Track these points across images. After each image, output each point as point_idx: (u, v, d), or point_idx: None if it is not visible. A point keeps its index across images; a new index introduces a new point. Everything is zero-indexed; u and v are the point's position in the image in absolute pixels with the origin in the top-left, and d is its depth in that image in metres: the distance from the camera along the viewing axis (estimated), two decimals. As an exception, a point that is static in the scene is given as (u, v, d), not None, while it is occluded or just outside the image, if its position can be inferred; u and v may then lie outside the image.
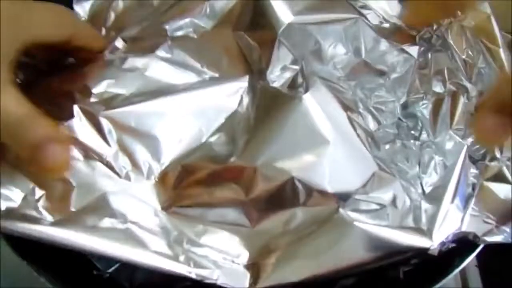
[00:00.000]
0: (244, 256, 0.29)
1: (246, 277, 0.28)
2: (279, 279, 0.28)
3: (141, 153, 0.29)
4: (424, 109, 0.34)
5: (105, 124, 0.29)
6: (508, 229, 0.29)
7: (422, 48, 0.35)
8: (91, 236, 0.26)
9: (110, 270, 0.31)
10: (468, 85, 0.34)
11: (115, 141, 0.29)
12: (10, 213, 0.26)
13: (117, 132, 0.29)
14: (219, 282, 0.27)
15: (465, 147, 0.31)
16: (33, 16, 0.29)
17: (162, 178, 0.30)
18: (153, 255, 0.27)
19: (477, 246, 0.29)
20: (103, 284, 0.31)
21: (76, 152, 0.28)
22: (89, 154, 0.29)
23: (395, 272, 0.30)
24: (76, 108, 0.29)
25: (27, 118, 0.26)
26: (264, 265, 0.28)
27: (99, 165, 0.29)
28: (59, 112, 0.29)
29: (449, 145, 0.32)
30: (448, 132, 0.32)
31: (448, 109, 0.33)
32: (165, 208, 0.29)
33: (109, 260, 0.31)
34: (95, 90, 0.30)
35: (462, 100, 0.33)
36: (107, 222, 0.27)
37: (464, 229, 0.29)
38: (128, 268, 0.31)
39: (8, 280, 0.38)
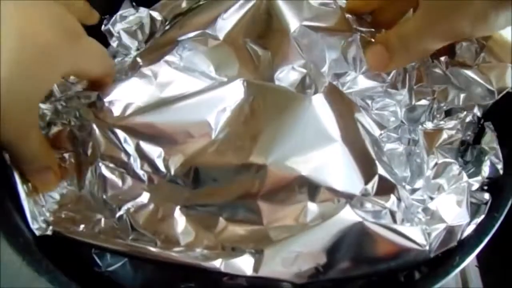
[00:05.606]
0: (249, 245, 0.29)
1: (250, 264, 0.28)
2: (277, 269, 0.28)
3: (158, 155, 0.31)
4: (422, 132, 0.34)
5: (120, 134, 0.31)
6: None
7: None
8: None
9: (110, 269, 0.31)
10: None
11: (134, 148, 0.30)
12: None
13: (132, 140, 0.31)
14: (222, 269, 0.28)
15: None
16: (82, 49, 0.29)
17: (179, 177, 0.31)
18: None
19: (477, 246, 0.29)
20: (103, 284, 0.31)
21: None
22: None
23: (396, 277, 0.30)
24: (94, 126, 0.31)
25: (43, 158, 0.30)
26: (267, 255, 0.28)
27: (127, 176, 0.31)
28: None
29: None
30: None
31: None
32: (186, 206, 0.31)
33: (111, 259, 0.31)
34: (107, 100, 0.31)
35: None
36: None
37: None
38: (129, 269, 0.32)
39: (8, 280, 0.38)
